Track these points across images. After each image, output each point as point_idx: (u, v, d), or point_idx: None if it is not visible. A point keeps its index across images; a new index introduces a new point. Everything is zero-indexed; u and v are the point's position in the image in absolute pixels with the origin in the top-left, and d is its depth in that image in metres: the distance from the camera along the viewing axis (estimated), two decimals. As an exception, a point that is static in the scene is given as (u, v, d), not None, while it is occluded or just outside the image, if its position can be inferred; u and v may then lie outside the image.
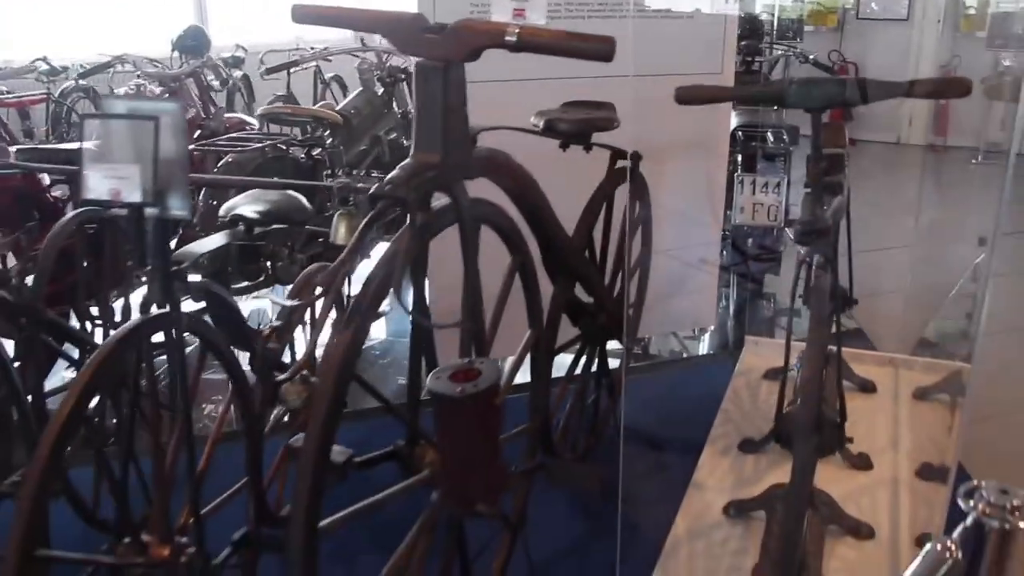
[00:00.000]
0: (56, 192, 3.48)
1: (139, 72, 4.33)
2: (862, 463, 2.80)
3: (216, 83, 4.61)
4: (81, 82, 5.27)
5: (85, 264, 2.81)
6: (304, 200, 2.29)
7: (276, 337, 1.80)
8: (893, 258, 5.24)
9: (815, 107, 2.00)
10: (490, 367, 1.58)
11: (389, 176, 1.65)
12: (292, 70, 6.19)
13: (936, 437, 3.00)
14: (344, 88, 6.34)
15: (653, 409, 3.37)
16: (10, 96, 5.34)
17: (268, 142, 3.30)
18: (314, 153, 3.50)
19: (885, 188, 7.40)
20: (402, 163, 1.69)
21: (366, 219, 1.57)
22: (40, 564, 1.53)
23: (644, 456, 3.06)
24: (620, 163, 2.76)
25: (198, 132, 4.16)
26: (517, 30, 1.61)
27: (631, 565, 2.50)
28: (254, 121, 4.37)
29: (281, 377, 1.52)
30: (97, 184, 1.64)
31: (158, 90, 4.32)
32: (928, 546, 1.36)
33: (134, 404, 1.85)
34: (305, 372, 1.61)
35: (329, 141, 3.49)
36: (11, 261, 3.24)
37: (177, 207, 1.73)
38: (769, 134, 3.68)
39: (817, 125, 2.04)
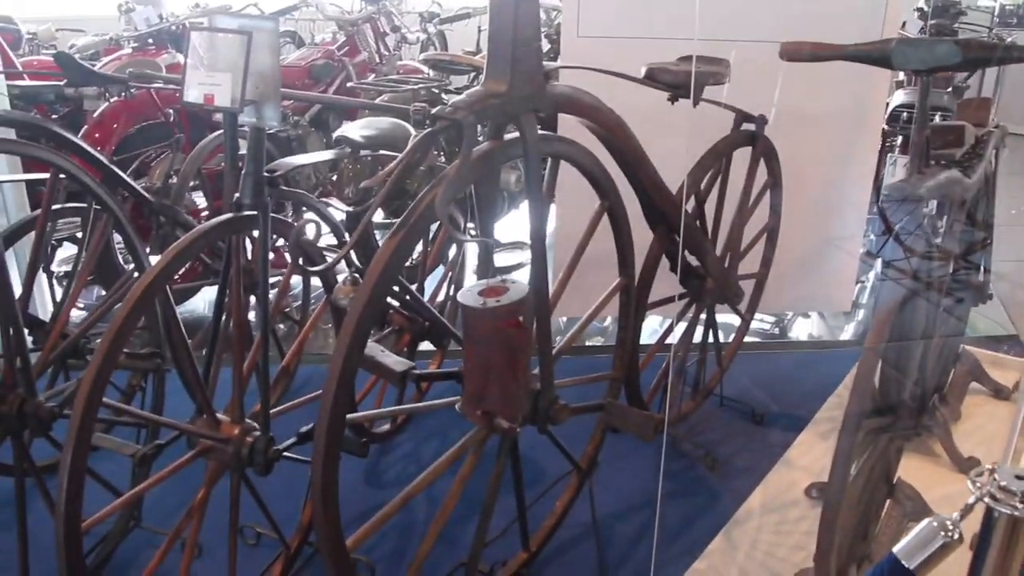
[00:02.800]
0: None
1: (321, 15, 4.62)
2: (971, 468, 2.63)
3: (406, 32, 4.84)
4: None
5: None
6: (413, 130, 2.42)
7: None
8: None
9: (921, 68, 1.89)
10: (517, 288, 1.64)
11: (454, 99, 1.73)
12: (482, 27, 6.44)
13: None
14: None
15: (770, 386, 3.29)
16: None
17: (421, 85, 3.45)
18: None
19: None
20: (471, 89, 1.77)
21: (420, 134, 1.65)
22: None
23: (744, 428, 3.00)
24: (745, 126, 2.71)
25: (372, 75, 4.41)
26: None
27: (699, 528, 2.49)
28: (428, 70, 4.55)
29: (315, 268, 1.63)
30: (194, 89, 1.82)
31: (342, 36, 4.61)
32: (926, 521, 1.31)
33: (221, 299, 2.02)
34: (356, 275, 1.72)
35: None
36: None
37: (269, 117, 1.89)
38: (937, 117, 3.45)
39: (924, 87, 1.93)
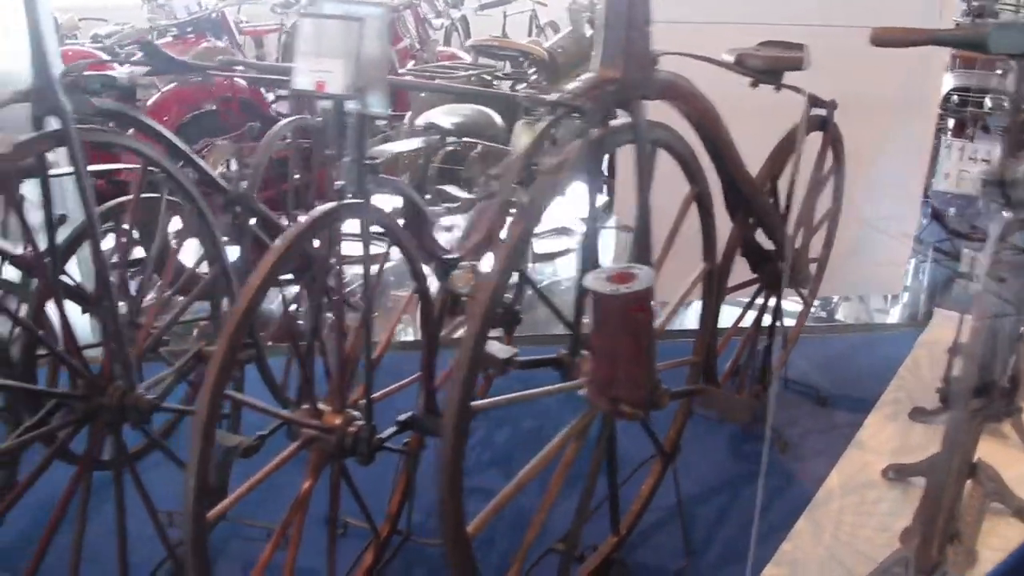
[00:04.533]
0: (278, 107, 3.81)
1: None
2: (1045, 449, 2.66)
3: (431, 16, 4.83)
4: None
5: (297, 175, 3.07)
6: (497, 117, 2.41)
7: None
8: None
9: (1020, 52, 1.89)
10: (645, 274, 1.64)
11: (570, 86, 1.73)
12: (508, 13, 6.39)
13: None
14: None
15: (828, 369, 3.31)
16: (247, 25, 5.80)
17: (473, 72, 3.44)
18: (518, 88, 3.62)
19: None
20: (583, 76, 1.77)
21: (545, 125, 1.65)
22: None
23: (811, 410, 3.02)
24: (815, 111, 2.71)
25: (412, 62, 4.39)
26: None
27: (779, 509, 2.51)
28: (467, 56, 4.54)
29: (447, 256, 1.63)
30: (304, 76, 1.81)
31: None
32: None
33: (321, 287, 2.02)
34: (475, 263, 1.72)
35: (534, 77, 3.60)
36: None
37: (376, 104, 1.88)
38: (988, 99, 3.45)
39: (1021, 71, 1.94)
